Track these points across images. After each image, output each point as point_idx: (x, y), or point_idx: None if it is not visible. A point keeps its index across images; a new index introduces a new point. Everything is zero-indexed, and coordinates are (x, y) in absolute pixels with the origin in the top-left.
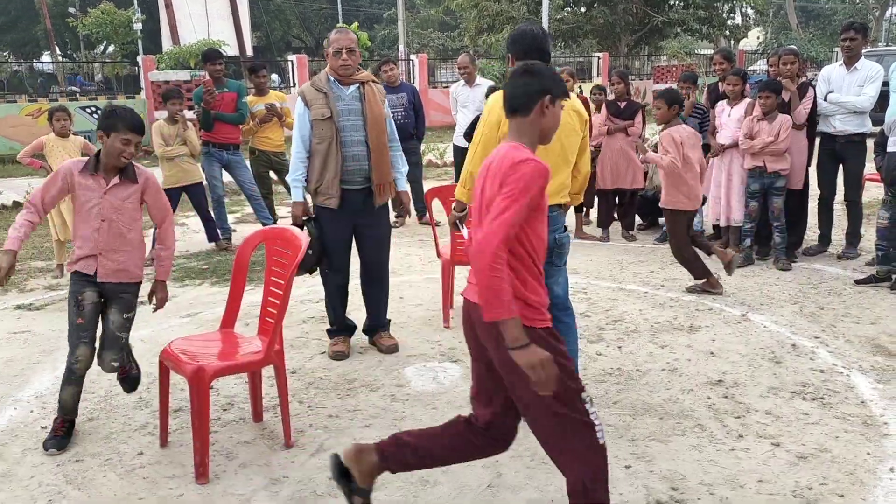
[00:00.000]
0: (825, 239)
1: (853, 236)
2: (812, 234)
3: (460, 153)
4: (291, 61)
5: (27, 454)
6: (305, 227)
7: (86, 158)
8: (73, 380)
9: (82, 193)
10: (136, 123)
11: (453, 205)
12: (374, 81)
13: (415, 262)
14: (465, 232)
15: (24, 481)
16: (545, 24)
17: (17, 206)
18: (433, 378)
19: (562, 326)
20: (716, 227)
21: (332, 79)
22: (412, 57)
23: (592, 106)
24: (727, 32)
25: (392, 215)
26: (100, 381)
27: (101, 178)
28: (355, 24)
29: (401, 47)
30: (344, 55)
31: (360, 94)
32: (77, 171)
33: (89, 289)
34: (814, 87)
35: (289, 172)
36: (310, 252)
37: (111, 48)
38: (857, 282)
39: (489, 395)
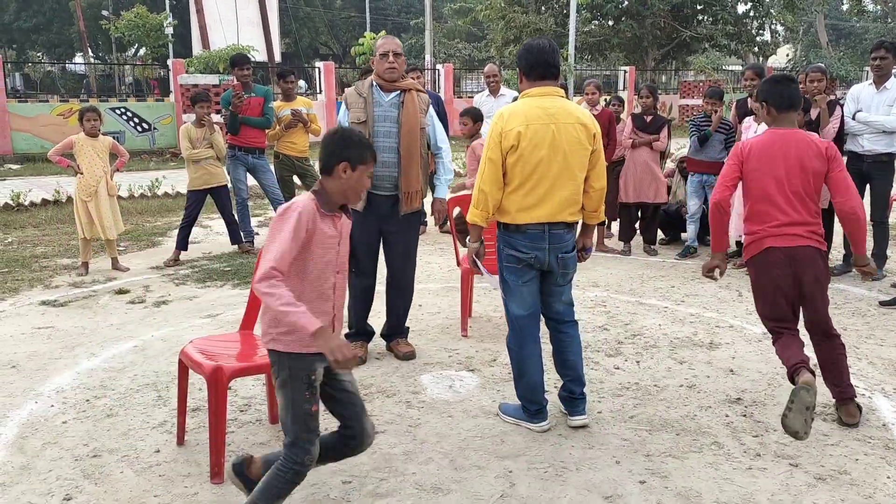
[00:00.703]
0: (850, 259)
1: (879, 257)
2: (837, 253)
3: None
4: (319, 68)
5: (46, 448)
6: None
7: (310, 197)
8: (297, 483)
9: (322, 243)
10: (373, 149)
11: (468, 238)
12: (418, 90)
13: (435, 270)
14: (484, 271)
15: (43, 474)
16: (572, 37)
17: (45, 203)
18: (449, 386)
19: (564, 338)
20: (738, 243)
21: (374, 84)
22: (438, 66)
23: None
24: (756, 49)
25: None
26: (119, 378)
27: (336, 220)
28: (383, 33)
29: (427, 56)
30: (391, 58)
31: (400, 102)
32: (318, 213)
33: (319, 363)
34: (841, 106)
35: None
36: None
37: (142, 51)
38: (882, 303)
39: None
